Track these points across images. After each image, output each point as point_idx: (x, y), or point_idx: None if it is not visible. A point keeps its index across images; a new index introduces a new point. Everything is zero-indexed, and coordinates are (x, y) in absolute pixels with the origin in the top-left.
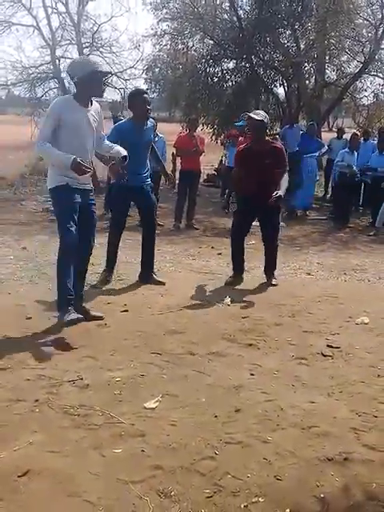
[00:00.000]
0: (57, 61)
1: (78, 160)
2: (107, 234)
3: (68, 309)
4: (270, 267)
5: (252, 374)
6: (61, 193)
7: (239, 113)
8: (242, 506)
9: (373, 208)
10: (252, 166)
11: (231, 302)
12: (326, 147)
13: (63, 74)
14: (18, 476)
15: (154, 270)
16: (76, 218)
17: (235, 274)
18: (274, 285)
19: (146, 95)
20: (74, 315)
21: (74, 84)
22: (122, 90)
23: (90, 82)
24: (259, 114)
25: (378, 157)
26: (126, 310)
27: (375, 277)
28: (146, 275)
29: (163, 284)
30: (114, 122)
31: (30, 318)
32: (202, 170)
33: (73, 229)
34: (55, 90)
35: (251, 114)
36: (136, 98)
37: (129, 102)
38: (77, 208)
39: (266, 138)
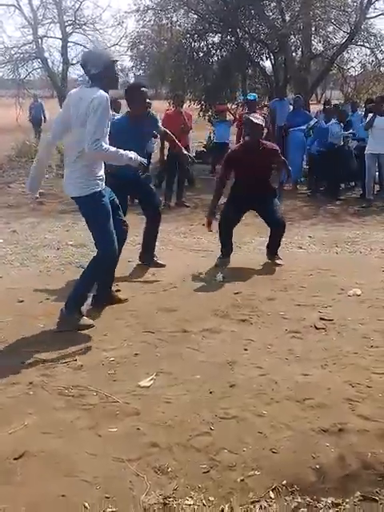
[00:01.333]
0: (39, 40)
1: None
2: None
3: (80, 311)
4: (274, 248)
5: (246, 349)
6: (98, 199)
7: (226, 87)
8: (239, 480)
9: (362, 179)
10: (247, 166)
11: (223, 278)
12: (314, 119)
13: (46, 54)
14: (14, 458)
15: (155, 254)
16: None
17: (224, 255)
18: (280, 264)
19: (144, 89)
20: (88, 321)
21: (90, 77)
22: None
23: (108, 75)
24: (258, 119)
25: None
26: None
27: (367, 249)
28: (148, 257)
29: (164, 266)
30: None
31: (22, 301)
32: (191, 146)
33: (114, 238)
34: (39, 70)
35: (251, 117)
36: (133, 93)
37: (126, 97)
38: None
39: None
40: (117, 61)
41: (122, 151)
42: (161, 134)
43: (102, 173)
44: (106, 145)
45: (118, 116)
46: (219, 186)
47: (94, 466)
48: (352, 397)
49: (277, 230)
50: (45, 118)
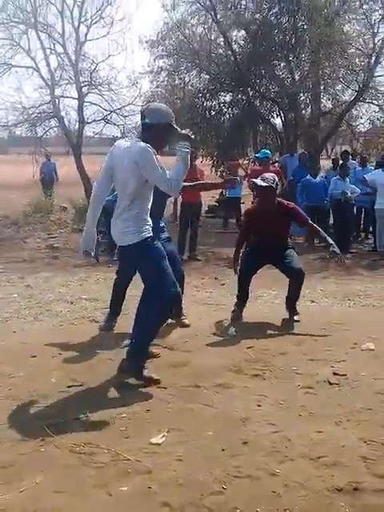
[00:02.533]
0: (56, 100)
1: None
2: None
3: (143, 365)
4: (294, 300)
5: (258, 405)
6: (151, 244)
7: (238, 144)
8: None
9: (374, 233)
10: (263, 226)
11: (236, 332)
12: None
13: (63, 113)
14: None
15: (183, 311)
16: None
17: (239, 305)
18: (297, 321)
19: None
20: (151, 374)
21: (142, 125)
22: (121, 127)
23: (159, 133)
24: (266, 180)
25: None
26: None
27: (379, 302)
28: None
29: (188, 326)
30: None
31: (34, 356)
32: (203, 202)
33: (174, 279)
34: (56, 129)
35: (256, 181)
36: None
37: None
38: None
39: (276, 199)
40: (172, 125)
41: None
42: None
43: (150, 220)
44: (170, 178)
45: None
46: (240, 240)
47: None
48: (367, 454)
49: (296, 280)
50: (57, 177)
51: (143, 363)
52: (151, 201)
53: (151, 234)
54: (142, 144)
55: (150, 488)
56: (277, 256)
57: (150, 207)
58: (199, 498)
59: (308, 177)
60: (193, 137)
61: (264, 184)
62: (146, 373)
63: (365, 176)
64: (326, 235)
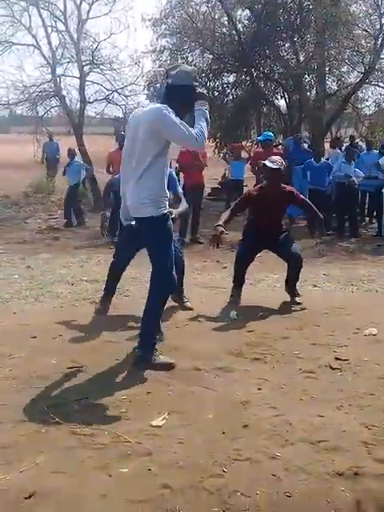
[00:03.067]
0: (57, 79)
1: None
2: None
3: (156, 349)
4: (293, 283)
5: (259, 389)
6: (166, 222)
7: (241, 125)
8: None
9: (378, 218)
10: (263, 209)
11: (237, 315)
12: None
13: (64, 92)
14: (25, 498)
15: (184, 295)
16: None
17: (235, 287)
18: (299, 303)
19: None
20: (166, 359)
21: (166, 87)
22: (123, 107)
23: (182, 95)
24: (275, 162)
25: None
26: (132, 327)
27: (383, 287)
28: (176, 294)
29: (191, 310)
30: (117, 138)
31: (34, 337)
32: (206, 184)
33: (173, 264)
34: (57, 109)
35: (267, 163)
36: None
37: None
38: None
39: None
40: (195, 87)
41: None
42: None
43: (167, 193)
44: (194, 133)
45: None
46: (234, 209)
47: (104, 507)
48: (368, 440)
49: (294, 264)
50: (59, 158)
51: (153, 350)
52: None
53: (167, 211)
54: (157, 105)
55: (150, 470)
56: (274, 241)
57: (166, 179)
58: (199, 480)
59: (312, 159)
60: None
61: (274, 166)
62: (160, 359)
63: (379, 161)
64: (319, 214)
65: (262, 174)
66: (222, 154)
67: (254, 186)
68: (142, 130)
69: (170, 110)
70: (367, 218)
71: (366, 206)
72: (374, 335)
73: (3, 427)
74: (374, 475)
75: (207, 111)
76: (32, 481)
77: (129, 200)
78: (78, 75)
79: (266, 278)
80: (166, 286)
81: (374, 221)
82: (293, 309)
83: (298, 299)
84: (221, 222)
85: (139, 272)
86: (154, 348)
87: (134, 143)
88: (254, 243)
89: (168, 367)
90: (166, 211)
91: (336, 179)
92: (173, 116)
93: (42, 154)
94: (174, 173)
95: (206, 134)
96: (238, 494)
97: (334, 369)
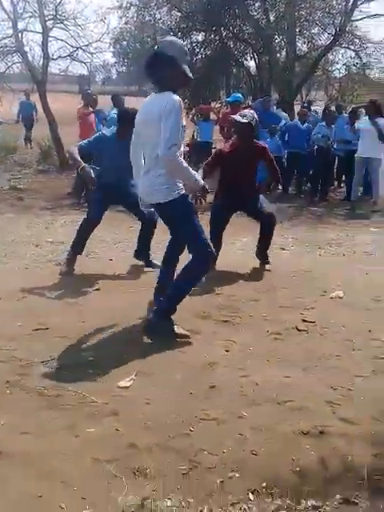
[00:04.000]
0: (19, 34)
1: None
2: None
3: (172, 319)
4: (265, 247)
5: (227, 351)
6: (185, 200)
7: (210, 86)
8: (218, 482)
9: (347, 182)
10: (236, 167)
11: (205, 279)
12: (283, 121)
13: (27, 48)
14: None
15: (151, 255)
16: None
17: None
18: (268, 270)
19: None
20: (181, 330)
21: (159, 78)
22: (88, 64)
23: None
24: (246, 116)
25: (350, 130)
26: (98, 289)
27: (350, 251)
28: (143, 254)
29: (158, 267)
30: (82, 97)
31: None
32: None
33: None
34: (19, 65)
35: (236, 118)
36: (125, 123)
37: (119, 122)
38: None
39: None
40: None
41: (192, 171)
42: None
43: None
44: (178, 155)
45: (107, 131)
46: (207, 170)
47: (71, 466)
48: (333, 399)
49: (268, 225)
50: (36, 118)
51: (169, 317)
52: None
53: (184, 191)
54: (173, 96)
55: (118, 430)
56: (247, 201)
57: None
58: (166, 439)
59: (295, 121)
60: None
61: (244, 120)
62: (176, 329)
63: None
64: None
65: (233, 130)
66: (190, 116)
67: None
68: (158, 114)
69: (182, 105)
70: (336, 182)
71: (335, 170)
72: (341, 298)
73: None
74: (338, 434)
75: (199, 183)
76: None
77: (142, 187)
78: (41, 30)
79: (235, 242)
80: (206, 262)
81: (342, 185)
82: (261, 273)
83: (267, 267)
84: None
85: (105, 234)
86: (171, 318)
87: (146, 130)
88: (227, 204)
89: (182, 337)
90: (183, 192)
91: (316, 141)
92: (178, 117)
93: (18, 113)
94: None
95: (183, 174)
96: (205, 452)
97: (300, 331)
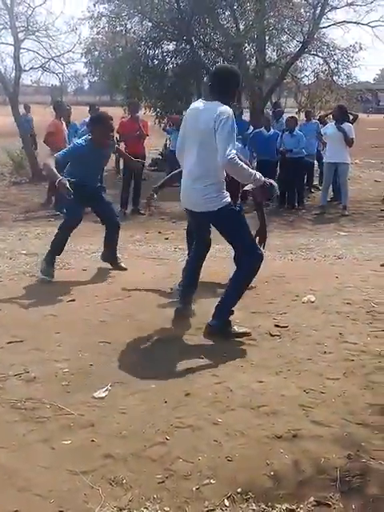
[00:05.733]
0: None
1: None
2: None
3: (230, 321)
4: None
5: (201, 357)
6: (233, 208)
7: (182, 95)
8: (194, 489)
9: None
10: None
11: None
12: (251, 128)
13: None
14: None
15: (118, 256)
16: None
17: None
18: (124, 269)
19: (110, 121)
20: (242, 329)
21: (222, 90)
22: (60, 75)
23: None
24: None
25: (290, 138)
26: (73, 300)
27: (321, 255)
28: (110, 256)
29: (125, 269)
30: (54, 107)
31: None
32: (147, 154)
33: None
34: None
35: None
36: (98, 124)
37: (91, 126)
38: None
39: None
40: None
41: (250, 169)
42: (115, 153)
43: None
44: (233, 154)
45: (79, 141)
46: (169, 176)
47: (47, 479)
48: (306, 403)
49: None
50: (33, 132)
51: (228, 321)
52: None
53: (230, 199)
54: (227, 107)
55: (93, 441)
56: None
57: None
58: (142, 449)
59: (261, 129)
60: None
61: None
62: (236, 329)
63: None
64: None
65: None
66: (163, 124)
67: None
68: (206, 124)
69: (233, 115)
70: (306, 187)
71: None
72: (312, 302)
73: None
74: (311, 436)
75: (260, 181)
76: None
77: (191, 197)
78: (13, 42)
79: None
80: (257, 263)
81: (312, 190)
82: None
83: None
84: (155, 185)
85: (79, 244)
86: (229, 321)
87: (195, 138)
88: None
89: (244, 336)
90: (229, 200)
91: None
92: (234, 125)
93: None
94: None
95: (243, 177)
96: (181, 460)
97: (273, 336)
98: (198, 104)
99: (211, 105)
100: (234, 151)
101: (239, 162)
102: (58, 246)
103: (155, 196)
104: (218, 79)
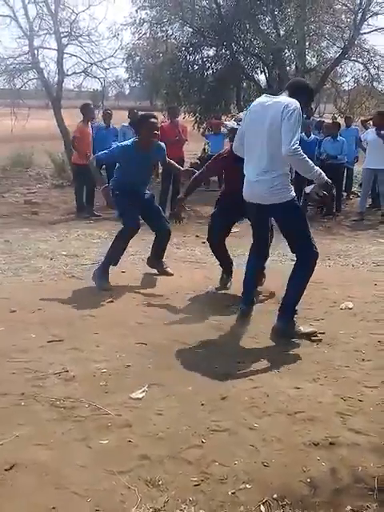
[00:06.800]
0: (35, 51)
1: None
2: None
3: (295, 320)
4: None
5: (238, 362)
6: (298, 205)
7: (221, 100)
8: (230, 493)
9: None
10: (232, 171)
11: (216, 289)
12: None
13: (42, 64)
14: (5, 470)
15: (163, 260)
16: None
17: (225, 274)
18: (170, 274)
19: (154, 120)
20: (307, 328)
21: (293, 91)
22: (102, 79)
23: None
24: (241, 121)
25: (332, 144)
26: (112, 301)
27: (359, 262)
28: (157, 262)
29: (171, 275)
30: (81, 110)
31: (14, 311)
32: (185, 159)
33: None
34: (35, 81)
35: (228, 123)
36: (144, 123)
37: (137, 126)
38: None
39: None
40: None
41: (313, 164)
42: (164, 165)
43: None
44: (302, 153)
45: (124, 142)
46: (199, 176)
47: (84, 478)
48: (343, 410)
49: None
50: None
51: (293, 320)
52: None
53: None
54: (295, 100)
55: (130, 441)
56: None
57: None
58: (178, 451)
59: (302, 134)
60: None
61: (236, 126)
62: (302, 329)
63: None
64: None
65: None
66: (201, 129)
67: None
68: (274, 117)
69: (299, 109)
70: (345, 194)
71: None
72: (350, 309)
73: None
74: (348, 444)
75: (323, 178)
76: (12, 453)
77: (258, 188)
78: (56, 47)
79: (245, 254)
80: (315, 260)
81: (351, 196)
82: (270, 282)
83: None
84: (181, 195)
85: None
86: (293, 320)
87: (262, 132)
88: (225, 213)
89: (310, 336)
90: (295, 194)
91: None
92: (300, 119)
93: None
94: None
95: (302, 164)
96: (217, 463)
97: (310, 342)
98: (264, 98)
99: (279, 98)
100: (298, 143)
101: (303, 153)
102: (114, 257)
103: (184, 205)
104: (294, 88)
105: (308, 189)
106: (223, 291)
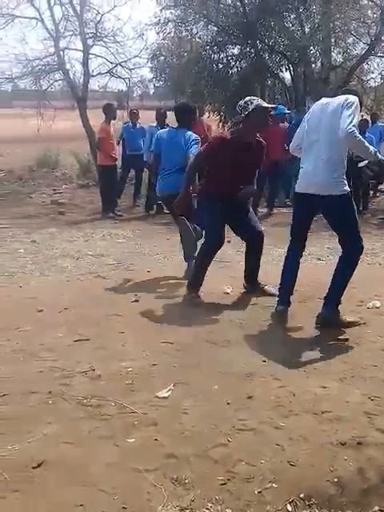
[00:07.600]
0: (61, 52)
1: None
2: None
3: (339, 310)
4: (254, 277)
5: (264, 361)
6: (352, 199)
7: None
8: (256, 492)
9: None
10: (230, 162)
11: (245, 287)
12: None
13: (68, 66)
14: (33, 467)
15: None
16: None
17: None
18: (273, 294)
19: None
20: (351, 318)
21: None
22: (127, 80)
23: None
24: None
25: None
26: (137, 301)
27: None
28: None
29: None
30: (103, 110)
31: (41, 310)
32: None
33: None
34: (60, 82)
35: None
36: (184, 112)
37: (177, 114)
38: None
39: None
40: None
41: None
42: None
43: None
44: (354, 127)
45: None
46: (194, 166)
47: (111, 476)
48: (370, 410)
49: (255, 245)
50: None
51: (337, 309)
52: None
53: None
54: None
55: (157, 440)
56: (234, 212)
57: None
58: (204, 450)
59: None
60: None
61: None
62: (345, 318)
63: None
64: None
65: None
66: (226, 128)
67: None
68: (336, 111)
69: (358, 103)
70: (371, 192)
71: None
72: (377, 308)
73: (12, 399)
74: (376, 444)
75: (376, 156)
76: (40, 451)
77: (318, 177)
78: (82, 48)
79: (270, 253)
80: (359, 253)
81: (377, 194)
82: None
83: (271, 289)
84: (182, 190)
85: (143, 245)
86: (338, 310)
87: (323, 124)
88: (214, 207)
89: (353, 324)
90: (349, 189)
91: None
92: (358, 110)
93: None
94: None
95: (360, 145)
96: (243, 463)
97: (338, 341)
98: (323, 100)
99: (340, 96)
100: (356, 128)
101: (359, 135)
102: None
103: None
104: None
105: (362, 163)
106: (248, 290)
